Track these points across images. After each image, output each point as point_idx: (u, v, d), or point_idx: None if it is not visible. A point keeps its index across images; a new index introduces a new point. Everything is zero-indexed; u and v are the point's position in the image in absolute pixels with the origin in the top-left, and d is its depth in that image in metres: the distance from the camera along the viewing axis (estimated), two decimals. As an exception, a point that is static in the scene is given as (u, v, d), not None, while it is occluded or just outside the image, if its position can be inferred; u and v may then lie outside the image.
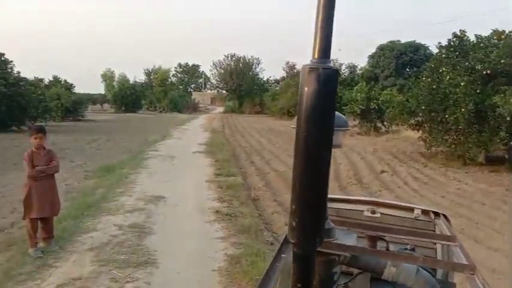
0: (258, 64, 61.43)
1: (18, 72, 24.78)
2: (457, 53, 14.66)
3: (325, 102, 1.01)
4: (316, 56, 1.01)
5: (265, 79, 64.86)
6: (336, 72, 1.01)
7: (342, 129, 1.49)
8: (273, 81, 65.83)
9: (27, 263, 5.16)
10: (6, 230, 6.50)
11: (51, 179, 5.73)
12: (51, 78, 44.72)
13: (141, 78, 67.82)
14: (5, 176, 10.68)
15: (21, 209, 5.68)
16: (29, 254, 5.39)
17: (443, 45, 15.47)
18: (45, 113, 26.72)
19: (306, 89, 1.00)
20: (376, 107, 24.02)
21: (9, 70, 24.07)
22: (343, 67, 48.88)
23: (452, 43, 15.07)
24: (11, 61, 24.21)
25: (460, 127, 13.68)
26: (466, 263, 1.46)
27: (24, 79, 25.38)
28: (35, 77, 34.72)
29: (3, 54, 23.78)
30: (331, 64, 1.01)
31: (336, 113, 1.36)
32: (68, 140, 19.36)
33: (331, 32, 1.01)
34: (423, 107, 15.08)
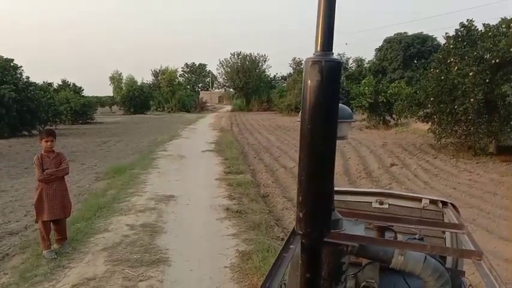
0: (264, 61, 61.22)
1: (28, 77, 25.06)
2: (465, 43, 14.48)
3: (329, 95, 1.01)
4: (318, 49, 1.02)
5: (272, 76, 64.81)
6: (339, 64, 1.01)
7: (346, 121, 1.50)
8: (280, 78, 65.72)
9: (42, 265, 5.23)
10: (20, 233, 6.60)
11: (62, 181, 5.79)
12: (60, 82, 45.25)
13: (149, 79, 68.04)
14: (17, 180, 10.83)
15: (34, 212, 5.76)
16: (43, 256, 5.46)
17: (451, 35, 15.30)
18: (55, 116, 26.94)
19: (309, 82, 1.01)
20: (385, 100, 23.85)
21: (19, 75, 24.31)
22: (351, 61, 48.68)
23: (460, 33, 14.89)
24: (20, 66, 24.47)
25: (470, 117, 13.55)
26: (473, 249, 1.47)
27: (34, 84, 25.60)
28: (44, 82, 35.15)
29: (12, 60, 24.03)
30: (335, 56, 1.02)
31: (341, 105, 1.37)
32: (78, 142, 19.55)
33: (333, 25, 1.02)
34: (432, 99, 14.96)
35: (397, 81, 26.90)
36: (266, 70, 62.15)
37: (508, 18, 14.67)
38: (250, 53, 60.85)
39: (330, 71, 0.99)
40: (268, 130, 26.02)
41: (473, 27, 14.82)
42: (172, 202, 8.25)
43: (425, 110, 16.31)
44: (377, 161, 13.30)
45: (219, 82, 74.93)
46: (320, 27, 1.01)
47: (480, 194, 9.24)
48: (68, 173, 5.90)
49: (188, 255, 5.47)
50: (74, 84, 45.84)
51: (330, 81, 1.00)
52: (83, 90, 45.12)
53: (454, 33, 15.09)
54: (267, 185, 10.20)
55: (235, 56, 61.05)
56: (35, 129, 23.63)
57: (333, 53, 1.02)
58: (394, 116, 23.87)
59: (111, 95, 61.97)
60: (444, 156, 14.23)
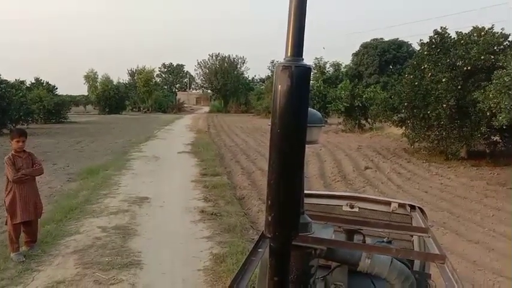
0: (242, 63, 61.37)
1: (-1, 75, 24.34)
2: (439, 50, 14.80)
3: (298, 100, 1.02)
4: (289, 54, 1.03)
5: (250, 78, 64.93)
6: (308, 70, 1.02)
7: (316, 126, 1.50)
8: (258, 80, 65.91)
9: (9, 268, 5.08)
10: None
11: (33, 181, 5.68)
12: (33, 81, 44.13)
13: (125, 78, 67.08)
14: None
15: (4, 213, 5.59)
16: (11, 259, 5.31)
17: (425, 42, 15.63)
18: (27, 115, 26.21)
19: (279, 86, 1.01)
20: (360, 104, 24.17)
21: (-11, 73, 23.60)
22: (328, 65, 49.08)
23: (433, 40, 15.22)
24: (-9, 63, 23.78)
25: (442, 123, 13.87)
26: (437, 253, 1.50)
27: (5, 81, 24.85)
28: (16, 79, 34.12)
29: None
30: (305, 62, 1.03)
31: (311, 110, 1.38)
32: (51, 142, 19.09)
33: (303, 31, 1.03)
34: (406, 104, 15.24)
35: (372, 86, 27.28)
36: (244, 72, 62.30)
37: (480, 27, 15.07)
38: (229, 55, 60.94)
39: (300, 76, 1.00)
40: (245, 132, 26.01)
41: (446, 35, 15.16)
42: (146, 204, 8.14)
43: (399, 115, 16.62)
44: (352, 164, 13.46)
45: (196, 83, 74.65)
46: (291, 32, 1.02)
47: (451, 198, 9.46)
48: (43, 173, 5.83)
49: (161, 258, 5.41)
50: (47, 83, 44.77)
51: (300, 86, 1.01)
52: (56, 88, 44.11)
53: (428, 40, 15.41)
54: (243, 187, 10.18)
55: (214, 57, 61.03)
56: (5, 128, 22.98)
57: (303, 59, 1.03)
58: (369, 120, 24.23)
59: (86, 94, 60.83)
60: (417, 160, 14.52)
